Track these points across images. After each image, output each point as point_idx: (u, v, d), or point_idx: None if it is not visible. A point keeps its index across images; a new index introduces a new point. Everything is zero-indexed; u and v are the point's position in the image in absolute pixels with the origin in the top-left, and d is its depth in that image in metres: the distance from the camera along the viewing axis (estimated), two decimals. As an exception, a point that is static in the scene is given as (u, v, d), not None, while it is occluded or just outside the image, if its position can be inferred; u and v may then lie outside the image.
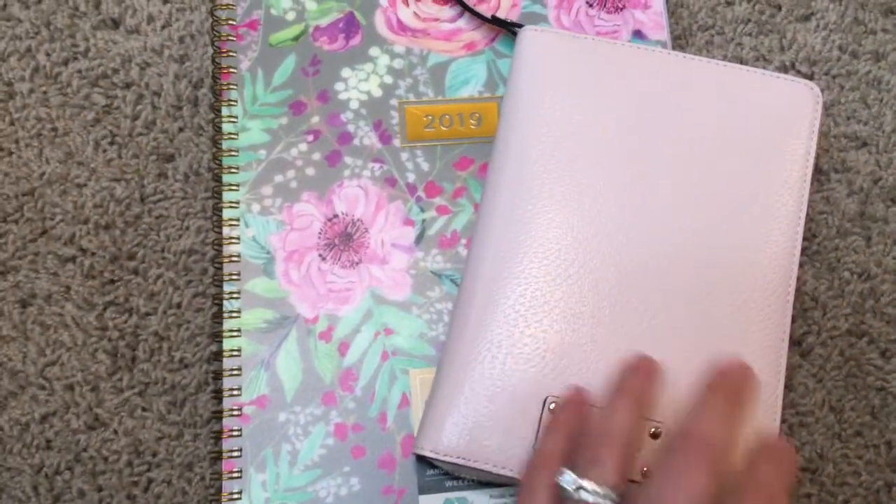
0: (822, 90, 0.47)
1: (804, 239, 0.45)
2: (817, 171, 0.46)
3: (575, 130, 0.41)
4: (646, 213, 0.40)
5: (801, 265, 0.45)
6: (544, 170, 0.41)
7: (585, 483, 0.30)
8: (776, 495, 0.29)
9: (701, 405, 0.31)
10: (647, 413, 0.36)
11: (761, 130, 0.42)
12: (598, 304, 0.39)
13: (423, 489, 0.40)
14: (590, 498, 0.30)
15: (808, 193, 0.41)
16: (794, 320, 0.44)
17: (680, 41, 0.48)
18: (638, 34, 0.46)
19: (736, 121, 0.42)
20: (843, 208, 0.46)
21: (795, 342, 0.44)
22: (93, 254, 0.44)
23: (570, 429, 0.34)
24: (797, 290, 0.44)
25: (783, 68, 0.48)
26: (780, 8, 0.49)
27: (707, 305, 0.39)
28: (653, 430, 0.37)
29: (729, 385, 0.32)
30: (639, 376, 0.34)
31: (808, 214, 0.45)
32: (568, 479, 0.31)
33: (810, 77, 0.48)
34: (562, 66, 0.42)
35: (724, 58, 0.48)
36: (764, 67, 0.48)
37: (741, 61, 0.48)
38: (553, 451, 0.33)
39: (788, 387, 0.43)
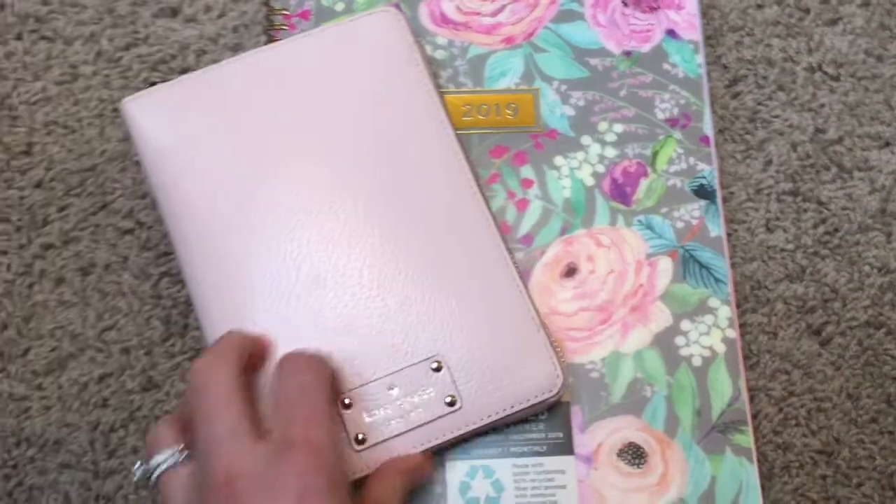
0: (848, 91, 0.49)
1: (826, 233, 0.47)
2: (841, 168, 0.48)
3: (237, 157, 0.42)
4: (339, 192, 0.42)
5: (822, 258, 0.46)
6: (230, 205, 0.42)
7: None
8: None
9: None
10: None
11: (371, 72, 0.44)
12: (344, 291, 0.41)
13: (450, 455, 0.42)
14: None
15: (440, 101, 0.44)
16: (814, 311, 0.46)
17: (711, 41, 0.50)
18: (671, 33, 0.48)
19: (349, 76, 0.44)
20: (865, 205, 0.47)
21: (815, 331, 0.46)
22: (149, 227, 0.47)
23: None
24: (818, 281, 0.46)
25: (810, 69, 0.49)
26: (808, 11, 0.51)
27: (426, 235, 0.42)
28: (433, 365, 0.41)
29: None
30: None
31: (831, 210, 0.47)
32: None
33: (836, 79, 0.49)
34: (186, 113, 0.43)
35: (753, 58, 0.50)
36: (792, 69, 0.49)
37: (769, 62, 0.50)
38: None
39: (808, 374, 0.45)
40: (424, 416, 0.40)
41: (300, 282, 0.41)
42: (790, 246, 0.47)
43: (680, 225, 0.46)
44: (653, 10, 0.49)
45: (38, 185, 0.47)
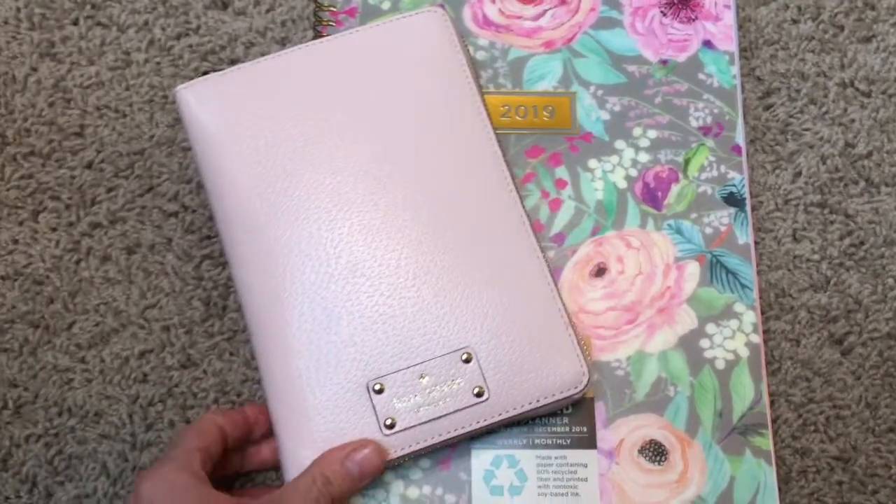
0: (879, 108, 0.50)
1: (852, 245, 0.48)
2: (869, 182, 0.49)
3: (283, 146, 0.44)
4: (380, 183, 0.43)
5: (847, 269, 0.47)
6: (275, 192, 0.43)
7: None
8: None
9: None
10: None
11: (416, 69, 0.45)
12: (381, 280, 0.42)
13: (476, 444, 0.43)
14: None
15: (481, 98, 0.45)
16: (836, 320, 0.47)
17: (746, 53, 0.51)
18: (707, 44, 0.49)
19: (394, 72, 0.45)
20: (891, 219, 0.48)
21: (837, 341, 0.47)
22: (193, 211, 0.48)
23: None
24: (842, 292, 0.47)
25: (842, 85, 0.50)
26: (842, 28, 0.52)
27: (461, 229, 0.43)
28: (464, 356, 0.42)
29: None
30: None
31: (857, 223, 0.48)
32: None
33: (868, 95, 0.50)
34: (235, 102, 0.45)
35: (787, 72, 0.51)
36: (824, 84, 0.50)
37: (803, 76, 0.51)
38: None
39: (828, 381, 0.46)
40: (453, 405, 0.41)
41: (339, 269, 0.43)
42: (816, 256, 0.48)
43: (709, 231, 0.47)
44: (690, 20, 0.50)
45: (89, 165, 0.49)
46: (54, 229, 0.48)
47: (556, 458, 0.43)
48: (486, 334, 0.42)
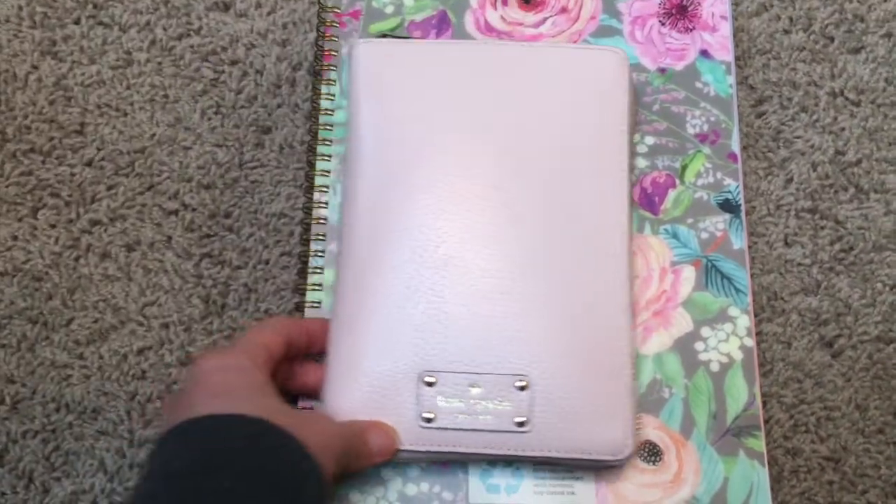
0: (868, 117, 0.51)
1: (842, 250, 0.49)
2: (858, 189, 0.50)
3: (424, 125, 0.45)
4: (497, 192, 0.44)
5: (837, 274, 0.49)
6: (401, 163, 0.45)
7: None
8: None
9: None
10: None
11: (579, 101, 0.46)
12: (468, 282, 0.43)
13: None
14: None
15: (628, 147, 0.46)
16: (827, 323, 0.48)
17: (739, 62, 0.52)
18: (704, 53, 0.50)
19: (556, 97, 0.46)
20: (880, 225, 0.49)
21: (827, 343, 0.48)
22: (194, 209, 0.49)
23: None
24: (832, 295, 0.48)
25: (832, 94, 0.52)
26: (833, 39, 0.53)
27: (562, 263, 0.43)
28: (519, 383, 0.42)
29: None
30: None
31: (847, 229, 0.49)
32: None
33: (857, 104, 0.52)
34: (399, 71, 0.47)
35: (779, 80, 0.52)
36: (815, 93, 0.52)
37: (794, 85, 0.52)
38: None
39: (819, 383, 0.47)
40: (491, 424, 0.41)
41: (433, 259, 0.43)
42: (807, 261, 0.49)
43: (704, 236, 0.48)
44: (688, 30, 0.51)
45: (89, 163, 0.49)
46: (53, 226, 0.48)
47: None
48: (552, 372, 0.42)
